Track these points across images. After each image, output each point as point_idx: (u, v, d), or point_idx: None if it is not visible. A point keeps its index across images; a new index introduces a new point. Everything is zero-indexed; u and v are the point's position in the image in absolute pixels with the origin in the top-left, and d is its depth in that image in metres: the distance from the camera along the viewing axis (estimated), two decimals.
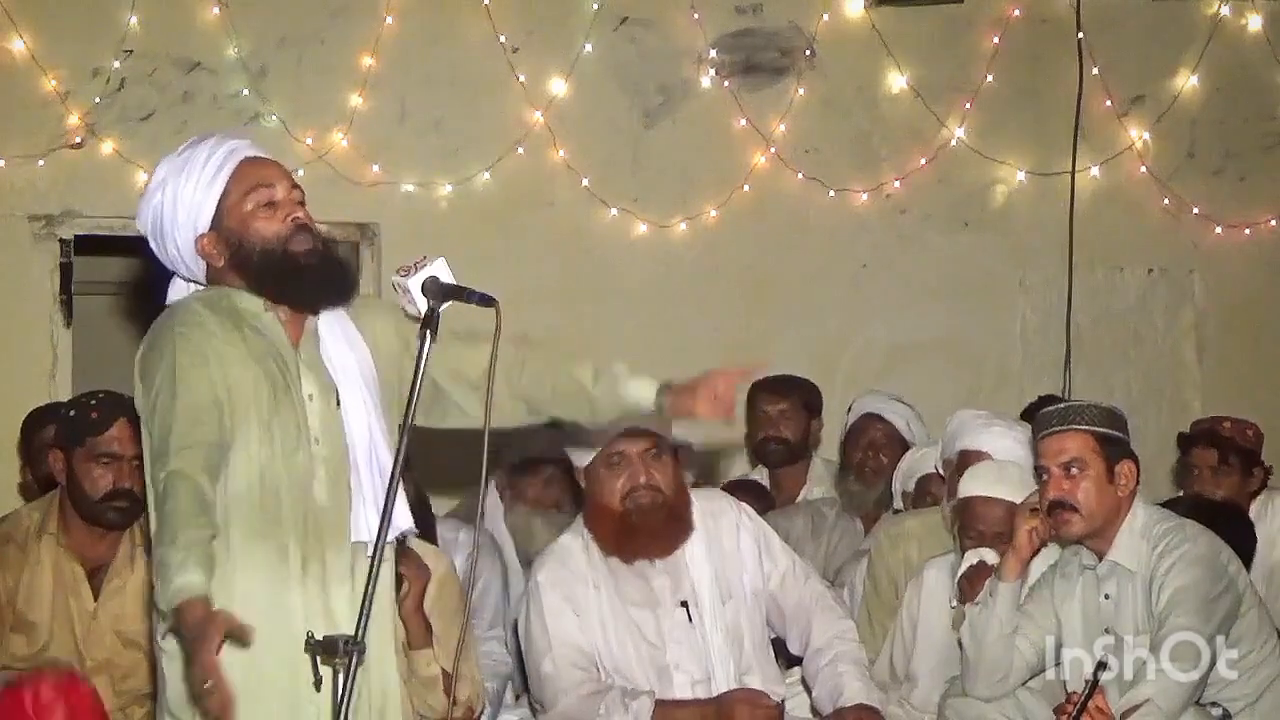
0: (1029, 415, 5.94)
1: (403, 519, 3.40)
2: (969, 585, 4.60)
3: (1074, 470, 4.28)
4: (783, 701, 4.52)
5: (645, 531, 4.39)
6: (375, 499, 3.31)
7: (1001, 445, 4.98)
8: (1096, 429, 4.30)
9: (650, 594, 4.43)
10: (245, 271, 3.36)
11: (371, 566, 3.15)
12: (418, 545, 4.31)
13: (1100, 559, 4.35)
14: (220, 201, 3.36)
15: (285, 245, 3.34)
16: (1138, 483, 4.36)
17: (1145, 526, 4.33)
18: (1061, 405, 4.52)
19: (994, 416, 5.21)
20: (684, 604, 4.44)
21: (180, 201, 3.37)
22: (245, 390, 3.28)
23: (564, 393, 3.61)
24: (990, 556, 4.60)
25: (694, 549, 4.46)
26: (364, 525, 3.33)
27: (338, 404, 3.36)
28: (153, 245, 3.46)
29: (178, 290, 3.52)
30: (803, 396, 6.11)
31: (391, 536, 3.36)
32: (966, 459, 4.98)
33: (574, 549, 4.50)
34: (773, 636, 4.60)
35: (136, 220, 3.47)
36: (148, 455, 3.26)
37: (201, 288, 3.45)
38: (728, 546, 4.51)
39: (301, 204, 3.40)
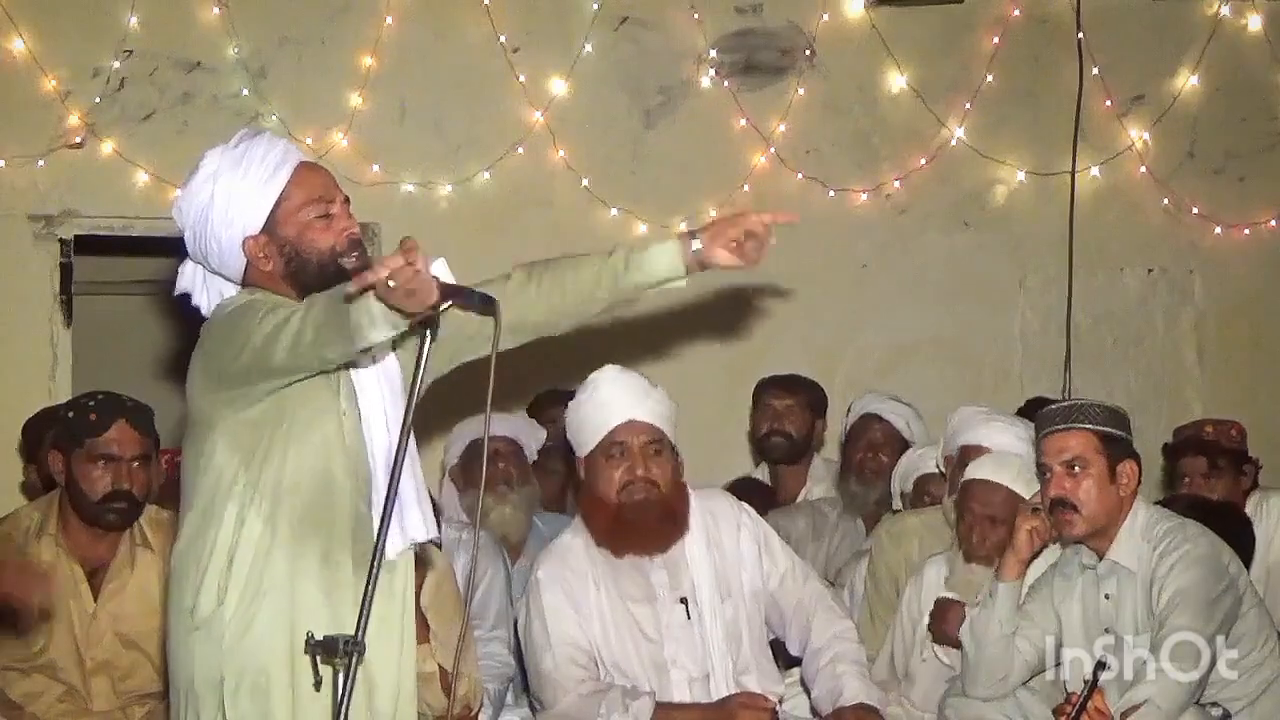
0: (1023, 416, 5.96)
1: (422, 528, 3.40)
2: (938, 626, 4.63)
3: (1076, 469, 4.29)
4: (780, 701, 4.53)
5: (637, 527, 4.39)
6: (400, 509, 3.31)
7: (1003, 440, 5.00)
8: (1099, 428, 4.30)
9: (649, 589, 4.44)
10: (298, 282, 3.31)
11: (372, 566, 3.14)
12: None
13: (1100, 558, 4.36)
14: (276, 205, 3.31)
15: (339, 260, 3.31)
16: (1139, 482, 4.36)
17: (1146, 526, 4.33)
18: (1065, 404, 4.52)
19: (996, 412, 5.24)
20: (683, 600, 4.44)
21: (234, 198, 3.30)
22: (315, 388, 3.28)
23: (582, 304, 3.45)
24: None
25: (694, 546, 4.47)
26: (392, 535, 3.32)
27: (359, 415, 3.36)
28: (188, 236, 3.39)
29: (187, 276, 3.47)
30: (809, 396, 6.13)
31: (406, 545, 3.38)
32: (967, 454, 4.99)
33: (575, 546, 4.50)
34: (772, 638, 4.61)
35: (174, 209, 3.38)
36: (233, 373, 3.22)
37: (234, 285, 3.41)
38: (728, 545, 4.52)
39: (352, 216, 3.37)
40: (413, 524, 3.38)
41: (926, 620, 4.74)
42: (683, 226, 6.88)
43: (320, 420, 3.30)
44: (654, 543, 4.43)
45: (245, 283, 3.38)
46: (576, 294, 3.41)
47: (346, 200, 3.38)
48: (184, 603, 3.31)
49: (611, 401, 4.41)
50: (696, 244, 3.38)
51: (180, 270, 3.50)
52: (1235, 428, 5.83)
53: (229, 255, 3.35)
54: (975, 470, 4.79)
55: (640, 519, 4.39)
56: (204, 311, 3.48)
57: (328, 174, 3.41)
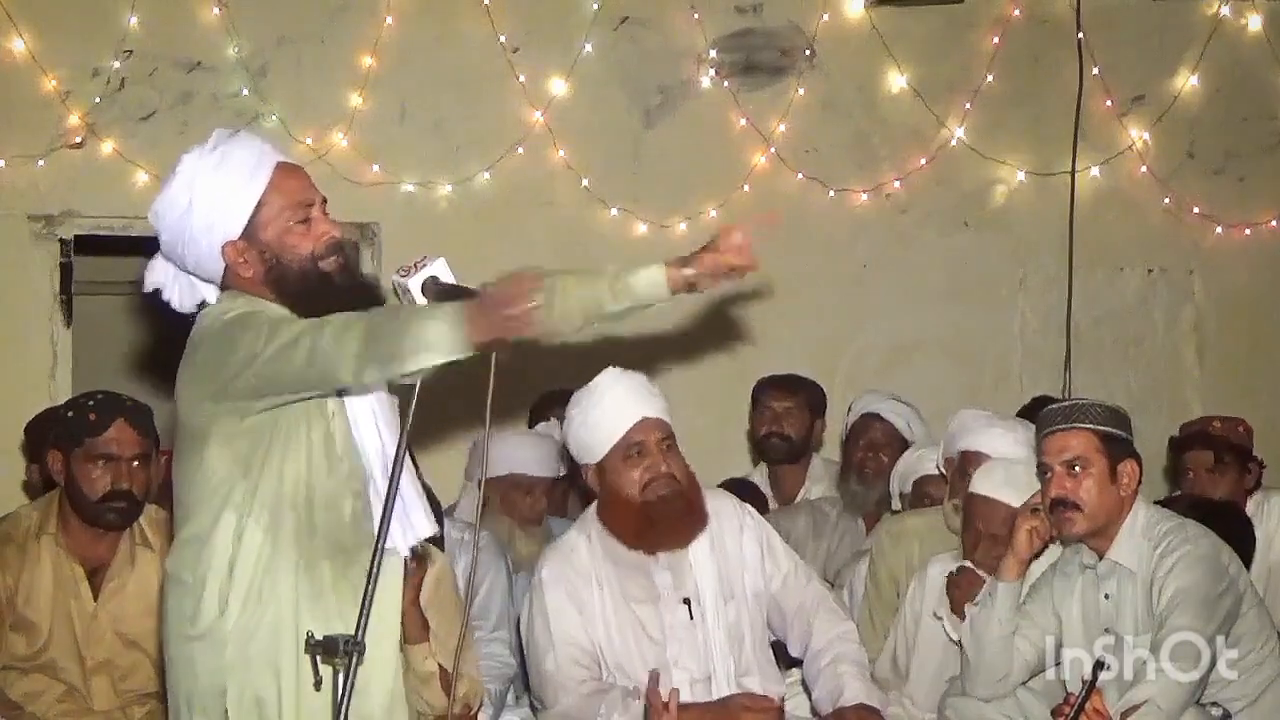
0: (1024, 417, 5.96)
1: (424, 525, 3.41)
2: (957, 592, 4.62)
3: (1077, 469, 4.28)
4: (783, 700, 4.53)
5: (666, 523, 4.38)
6: (403, 508, 3.31)
7: (1003, 446, 4.98)
8: (1100, 428, 4.30)
9: (652, 590, 4.43)
10: (280, 289, 3.29)
11: (372, 566, 3.15)
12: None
13: (1100, 558, 4.36)
14: (256, 211, 3.28)
15: (319, 264, 3.30)
16: (1140, 482, 4.36)
17: (1146, 526, 4.32)
18: (1066, 403, 4.51)
19: (996, 417, 5.21)
20: (686, 601, 4.44)
21: (213, 204, 3.27)
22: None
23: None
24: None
25: (698, 547, 4.46)
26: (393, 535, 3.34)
27: (349, 418, 3.36)
28: (164, 239, 3.35)
29: (158, 271, 3.43)
30: (809, 396, 6.12)
31: (413, 541, 3.39)
32: (968, 460, 4.98)
33: (578, 546, 4.49)
34: (773, 639, 4.61)
35: (150, 212, 3.35)
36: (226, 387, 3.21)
37: (205, 283, 3.40)
38: (730, 547, 4.51)
39: (328, 215, 3.35)
40: (418, 522, 3.39)
41: (944, 580, 4.69)
42: (682, 227, 6.92)
43: (306, 427, 3.28)
44: (682, 536, 4.43)
45: (224, 285, 3.36)
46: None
47: (324, 201, 3.37)
48: (183, 611, 3.30)
49: (621, 403, 4.39)
50: (689, 271, 3.25)
51: (149, 265, 3.45)
52: (1243, 425, 5.85)
53: (207, 260, 3.32)
54: (980, 485, 4.74)
55: (667, 514, 4.38)
56: (175, 305, 3.45)
57: (305, 175, 3.38)
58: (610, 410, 4.39)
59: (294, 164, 3.40)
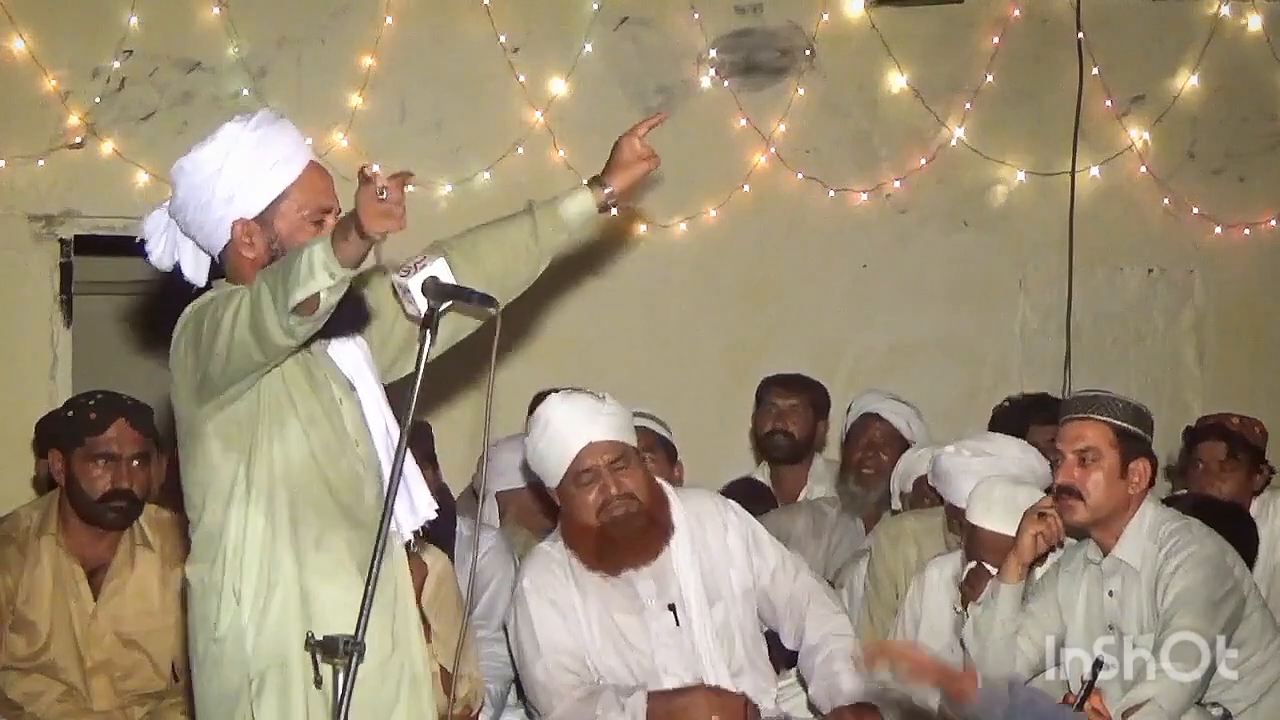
0: (1022, 414, 5.96)
1: (427, 506, 3.43)
2: (970, 589, 4.59)
3: (1088, 459, 4.29)
4: (777, 701, 4.53)
5: (624, 542, 4.39)
6: (405, 489, 3.33)
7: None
8: (1117, 422, 4.31)
9: (635, 599, 4.43)
10: None
11: (373, 559, 3.14)
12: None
13: (1105, 554, 4.36)
14: (279, 198, 3.30)
15: None
16: (1151, 483, 4.36)
17: (1153, 526, 4.32)
18: (1090, 393, 4.50)
19: (980, 465, 4.86)
20: (671, 607, 4.44)
21: (242, 177, 3.28)
22: (290, 375, 3.28)
23: (511, 264, 3.63)
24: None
25: (679, 552, 4.46)
26: (400, 517, 3.37)
27: (359, 402, 3.37)
28: (179, 198, 3.35)
29: (153, 221, 3.44)
30: (813, 396, 6.13)
31: (418, 524, 3.42)
32: (956, 512, 4.88)
33: (554, 555, 4.50)
34: (766, 630, 4.60)
35: (175, 168, 3.34)
36: (192, 378, 3.23)
37: (191, 243, 3.40)
38: (714, 546, 4.51)
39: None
40: (421, 504, 3.41)
41: (964, 573, 4.66)
42: (682, 227, 6.92)
43: (294, 406, 3.29)
44: (645, 553, 4.43)
45: (221, 262, 3.36)
46: (511, 250, 3.62)
47: (339, 211, 3.37)
48: (207, 614, 3.31)
49: (566, 429, 4.39)
50: (609, 189, 3.85)
51: (147, 215, 3.46)
52: (1259, 426, 5.86)
53: (214, 229, 3.33)
54: (983, 518, 4.65)
55: (625, 534, 4.39)
56: (152, 260, 3.46)
57: (331, 181, 3.41)
58: (556, 438, 4.39)
59: (323, 166, 3.42)
